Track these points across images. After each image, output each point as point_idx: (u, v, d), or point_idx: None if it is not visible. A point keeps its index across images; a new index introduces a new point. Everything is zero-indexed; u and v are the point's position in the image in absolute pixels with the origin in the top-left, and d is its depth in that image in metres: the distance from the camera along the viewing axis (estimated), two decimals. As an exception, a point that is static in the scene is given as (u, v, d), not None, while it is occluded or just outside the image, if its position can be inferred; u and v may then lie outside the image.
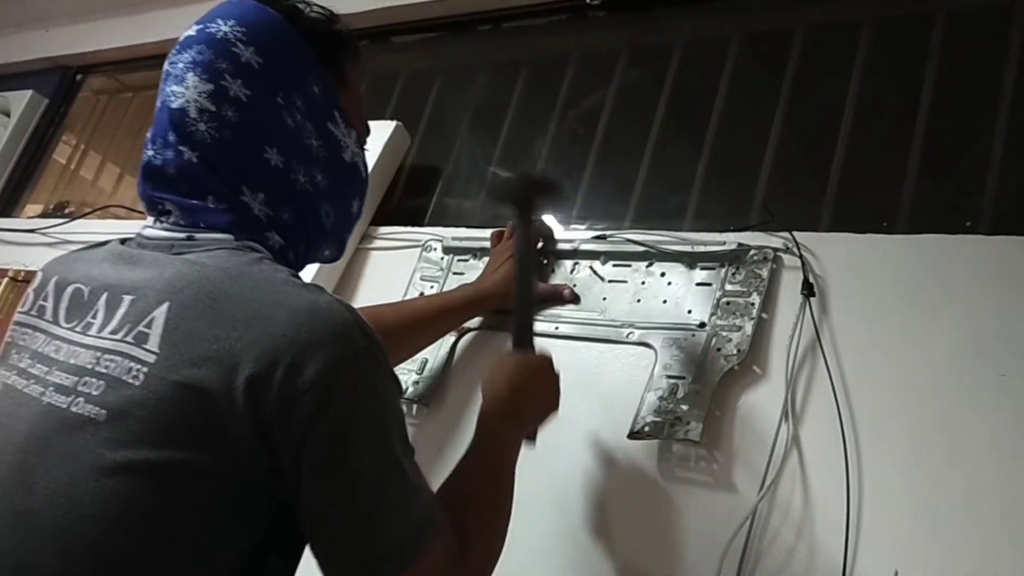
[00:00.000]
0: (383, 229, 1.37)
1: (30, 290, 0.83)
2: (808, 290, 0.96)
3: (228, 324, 0.68)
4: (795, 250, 0.99)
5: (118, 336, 0.70)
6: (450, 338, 1.19)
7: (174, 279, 0.72)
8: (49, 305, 0.78)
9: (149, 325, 0.69)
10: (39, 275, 0.83)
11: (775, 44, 1.20)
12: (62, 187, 2.04)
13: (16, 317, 0.81)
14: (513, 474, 0.85)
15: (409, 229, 1.34)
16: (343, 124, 0.85)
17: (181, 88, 0.77)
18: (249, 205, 0.78)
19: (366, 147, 0.91)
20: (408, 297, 1.26)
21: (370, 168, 1.32)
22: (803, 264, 0.97)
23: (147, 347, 0.68)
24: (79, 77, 2.16)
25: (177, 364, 0.67)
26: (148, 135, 0.80)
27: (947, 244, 0.94)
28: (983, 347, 0.87)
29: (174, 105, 0.77)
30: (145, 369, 0.68)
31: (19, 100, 2.07)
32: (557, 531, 1.00)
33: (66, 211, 1.93)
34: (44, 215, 1.97)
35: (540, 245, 1.19)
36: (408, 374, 1.18)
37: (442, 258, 1.27)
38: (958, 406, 0.85)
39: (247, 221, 0.78)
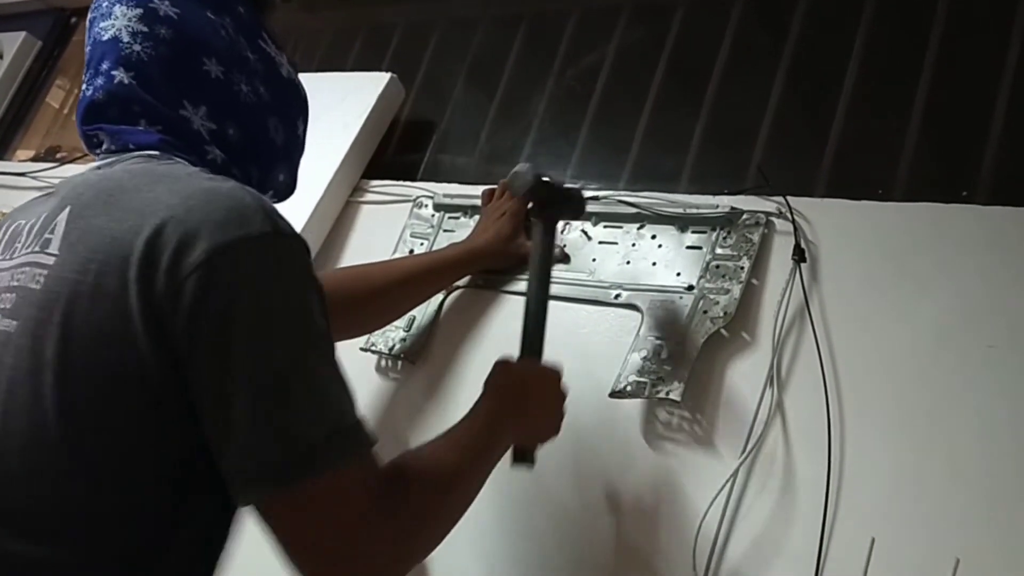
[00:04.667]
0: (375, 182, 1.35)
1: None
2: (799, 255, 0.95)
3: (121, 215, 0.66)
4: (788, 215, 0.98)
5: (29, 249, 0.70)
6: (438, 296, 1.18)
7: (79, 186, 0.72)
8: None
9: (52, 231, 0.69)
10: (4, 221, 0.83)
11: (779, 7, 1.18)
12: (55, 131, 2.01)
13: None
14: (485, 476, 0.80)
15: (401, 183, 1.33)
16: (273, 45, 0.86)
17: (109, 21, 0.78)
18: (189, 119, 0.78)
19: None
20: (397, 253, 1.25)
21: (363, 119, 1.33)
22: (795, 229, 0.96)
23: (49, 251, 0.68)
24: (73, 20, 2.11)
25: (73, 261, 0.66)
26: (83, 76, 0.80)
27: (942, 213, 0.92)
28: (973, 317, 0.86)
29: (105, 37, 0.78)
30: (45, 272, 0.67)
31: (12, 42, 2.04)
32: (536, 490, 0.99)
33: (58, 156, 1.91)
34: (35, 159, 1.94)
35: (530, 205, 1.18)
36: (395, 331, 1.18)
37: (433, 215, 1.26)
38: (944, 376, 0.85)
39: (183, 138, 0.77)
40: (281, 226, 0.67)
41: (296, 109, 0.88)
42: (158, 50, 0.77)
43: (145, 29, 0.77)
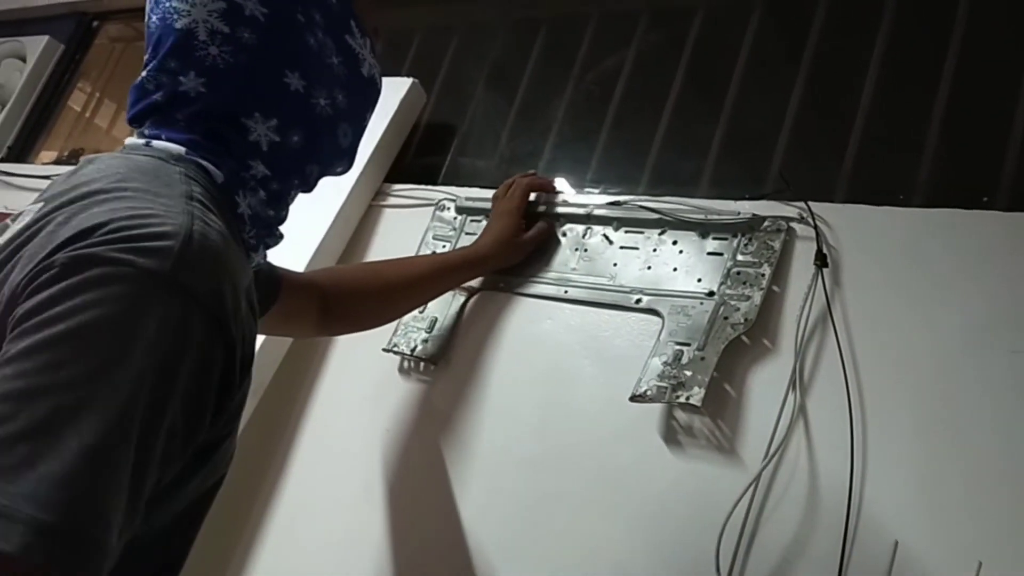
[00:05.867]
0: (396, 186, 1.36)
1: None
2: (821, 261, 0.95)
3: (52, 231, 0.58)
4: (810, 220, 0.98)
5: None
6: (460, 298, 1.19)
7: (71, 179, 0.64)
8: None
9: (16, 220, 0.63)
10: None
11: (799, 11, 1.18)
12: (77, 134, 2.04)
13: None
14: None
15: (423, 187, 1.34)
16: (359, 34, 0.79)
17: (186, 5, 0.69)
18: (250, 129, 0.72)
19: (378, 47, 0.84)
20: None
21: (385, 124, 1.35)
22: (817, 235, 0.97)
23: None
24: (95, 24, 2.14)
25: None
26: (145, 56, 0.73)
27: (963, 219, 0.93)
28: (995, 324, 0.86)
29: (179, 24, 0.70)
30: None
31: (35, 45, 2.06)
32: (556, 493, 1.01)
33: (80, 158, 1.93)
34: (58, 162, 1.97)
35: (532, 197, 1.20)
36: (418, 332, 1.19)
37: (455, 218, 1.27)
38: (967, 382, 0.85)
39: (227, 146, 0.71)
40: (181, 276, 0.56)
41: (369, 105, 0.83)
42: (237, 58, 0.70)
43: (226, 30, 0.69)
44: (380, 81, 0.83)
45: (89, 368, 0.52)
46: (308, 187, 0.82)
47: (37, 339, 0.53)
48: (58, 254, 0.55)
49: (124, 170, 0.65)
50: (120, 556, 0.55)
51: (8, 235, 0.62)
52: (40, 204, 0.63)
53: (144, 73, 0.72)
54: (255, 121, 0.72)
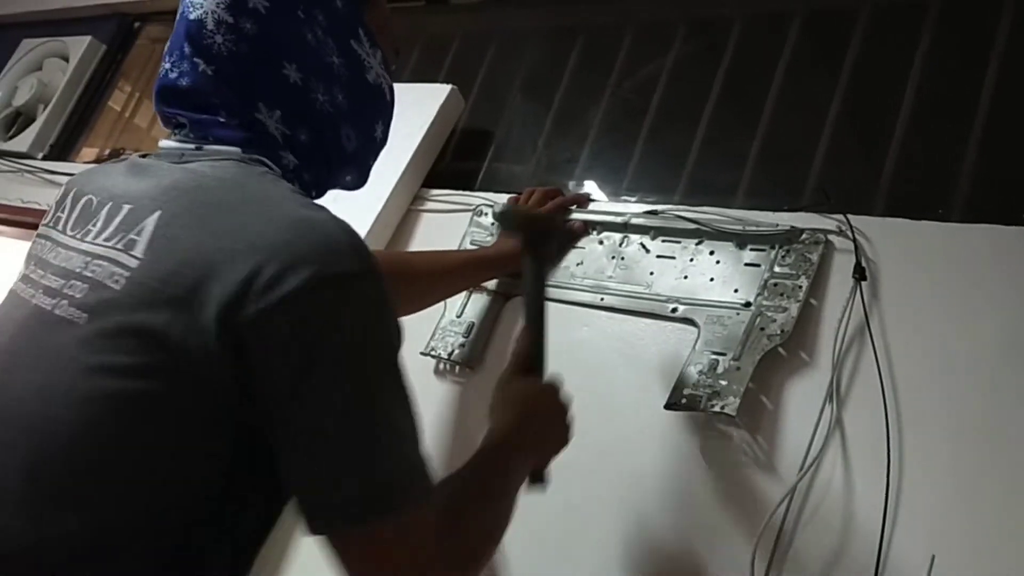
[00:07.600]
0: (434, 191, 1.38)
1: (52, 202, 0.83)
2: (860, 274, 0.96)
3: (212, 233, 0.66)
4: (848, 233, 0.99)
5: (110, 243, 0.71)
6: (497, 304, 1.21)
7: (170, 188, 0.71)
8: (63, 215, 0.79)
9: (139, 233, 0.69)
10: (62, 188, 0.84)
11: (838, 22, 1.19)
12: (117, 133, 2.08)
13: (39, 230, 0.82)
14: (515, 494, 0.81)
15: (461, 193, 1.36)
16: (367, 43, 0.83)
17: None
18: (264, 123, 0.77)
19: (393, 67, 0.88)
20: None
21: (425, 130, 1.36)
22: (856, 248, 0.97)
23: (133, 253, 0.68)
24: (137, 24, 2.18)
25: (158, 270, 0.66)
26: (166, 47, 0.79)
27: (1001, 235, 0.93)
28: (1032, 339, 0.87)
29: (191, 16, 0.76)
30: (127, 274, 0.67)
31: (78, 46, 2.10)
32: (592, 500, 1.02)
33: (121, 157, 1.96)
34: (99, 160, 2.00)
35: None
36: (455, 337, 1.21)
37: (492, 223, 1.29)
38: (1004, 397, 0.86)
39: (260, 138, 0.77)
40: (369, 262, 0.68)
41: (376, 113, 0.86)
42: (239, 47, 0.75)
43: (230, 20, 0.75)
44: (389, 93, 0.87)
45: (365, 357, 0.66)
46: (319, 190, 0.85)
47: (330, 371, 0.64)
48: (265, 267, 0.64)
49: (227, 177, 0.72)
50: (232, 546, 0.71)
51: (142, 244, 0.69)
52: (157, 212, 0.70)
53: (166, 64, 0.78)
54: (263, 114, 0.77)
